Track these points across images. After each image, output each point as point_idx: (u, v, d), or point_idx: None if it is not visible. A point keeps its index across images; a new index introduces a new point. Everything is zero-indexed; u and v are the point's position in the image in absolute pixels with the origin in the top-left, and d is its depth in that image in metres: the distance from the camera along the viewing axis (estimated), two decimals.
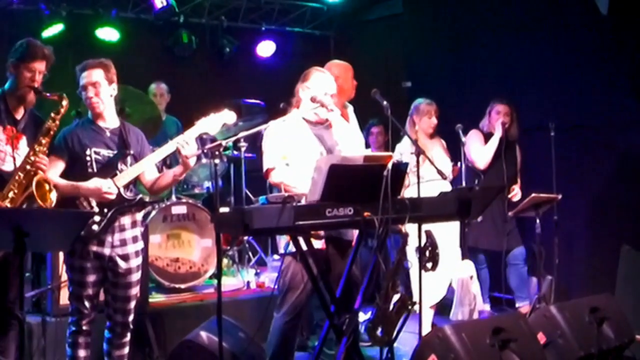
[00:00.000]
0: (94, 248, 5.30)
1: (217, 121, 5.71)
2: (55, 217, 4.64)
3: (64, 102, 5.24)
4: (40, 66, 5.28)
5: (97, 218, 5.24)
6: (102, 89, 5.38)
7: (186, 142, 5.42)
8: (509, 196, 7.98)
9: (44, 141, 5.17)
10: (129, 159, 5.48)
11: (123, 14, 10.05)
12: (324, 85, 5.84)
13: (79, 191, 5.24)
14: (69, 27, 9.42)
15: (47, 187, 5.11)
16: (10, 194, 5.07)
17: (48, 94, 5.26)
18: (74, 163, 5.35)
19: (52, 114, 5.22)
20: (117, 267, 5.39)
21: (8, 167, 5.22)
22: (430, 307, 7.35)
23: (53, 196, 5.09)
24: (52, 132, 5.22)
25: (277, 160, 5.69)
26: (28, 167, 5.10)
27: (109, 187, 5.25)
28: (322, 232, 5.36)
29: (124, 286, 5.45)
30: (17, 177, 5.09)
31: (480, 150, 8.00)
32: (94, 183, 5.25)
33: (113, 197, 5.28)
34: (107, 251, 5.34)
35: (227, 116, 5.77)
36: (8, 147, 5.25)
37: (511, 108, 8.10)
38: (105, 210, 5.29)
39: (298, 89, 5.92)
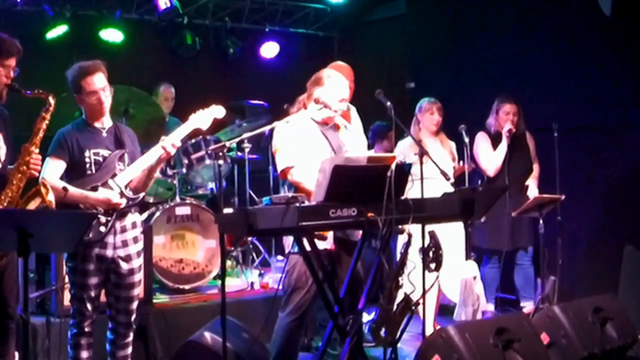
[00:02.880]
0: (96, 250, 5.31)
1: (208, 116, 5.75)
2: (59, 218, 4.64)
3: (52, 100, 5.18)
4: (14, 62, 5.17)
5: (103, 219, 5.27)
6: (109, 91, 5.43)
7: (172, 145, 5.45)
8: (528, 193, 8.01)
9: (36, 139, 5.13)
10: (126, 158, 5.51)
11: (127, 15, 10.06)
12: (340, 90, 5.86)
13: (87, 200, 5.26)
14: (73, 28, 9.43)
15: (43, 190, 5.09)
16: (8, 197, 5.05)
17: (28, 92, 5.15)
18: (73, 164, 5.36)
19: (43, 114, 5.17)
20: (120, 269, 5.41)
21: None
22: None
23: (50, 197, 5.08)
24: (42, 132, 5.17)
25: (295, 158, 5.69)
26: (23, 168, 5.08)
27: (118, 197, 5.29)
28: (326, 233, 5.37)
29: (126, 287, 5.48)
30: (14, 180, 5.06)
31: (489, 158, 8.01)
32: (103, 194, 5.27)
33: (122, 206, 5.30)
34: (109, 253, 5.36)
35: (217, 111, 5.81)
36: None
37: (518, 106, 8.10)
38: (110, 211, 5.31)
39: (312, 89, 5.89)
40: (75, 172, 5.34)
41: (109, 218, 5.30)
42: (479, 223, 7.69)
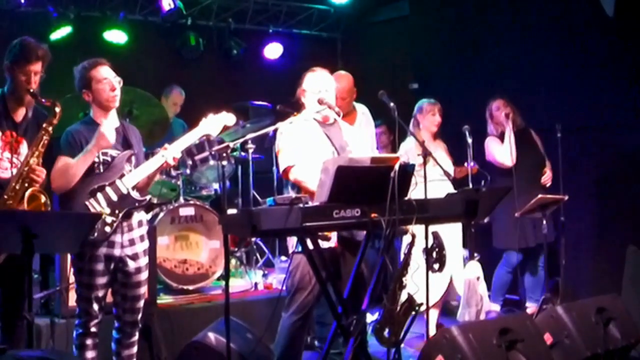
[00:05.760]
0: (104, 250, 5.31)
1: (217, 123, 5.74)
2: (63, 219, 4.67)
3: (57, 109, 5.19)
4: (35, 67, 5.21)
5: (108, 219, 5.27)
6: (118, 83, 5.43)
7: (173, 157, 5.45)
8: (542, 181, 8.06)
9: (37, 152, 5.14)
10: (133, 158, 5.51)
11: (131, 17, 10.06)
12: (317, 84, 5.90)
13: (90, 153, 5.24)
14: (77, 29, 9.43)
15: (42, 199, 5.09)
16: (7, 204, 5.05)
17: (43, 100, 5.19)
18: None
19: (45, 124, 5.17)
20: (127, 267, 5.42)
21: (7, 174, 5.20)
22: (431, 306, 7.38)
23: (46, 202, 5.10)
24: (45, 142, 5.17)
25: (296, 157, 5.71)
26: (23, 177, 5.08)
27: (107, 130, 5.24)
28: (330, 233, 5.38)
29: (133, 285, 5.49)
30: (12, 186, 5.07)
31: (502, 151, 8.02)
32: (96, 134, 5.24)
33: (110, 138, 5.25)
34: (117, 252, 5.36)
35: (227, 118, 5.80)
36: (7, 153, 5.23)
37: (506, 100, 8.17)
38: (117, 211, 5.31)
39: (299, 97, 5.98)
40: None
41: (114, 218, 5.30)
42: (499, 224, 7.75)
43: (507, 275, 8.29)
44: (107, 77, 5.38)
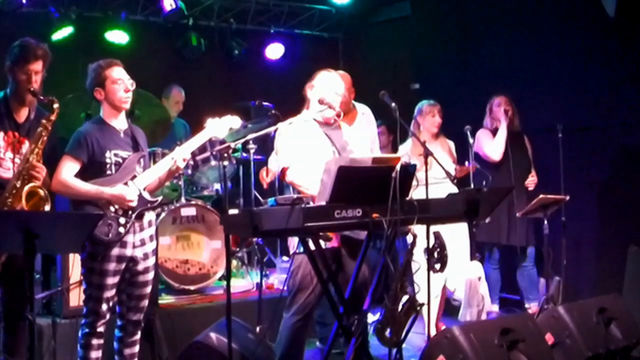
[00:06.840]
0: (117, 251, 5.32)
1: (223, 125, 5.77)
2: (64, 219, 4.66)
3: (55, 106, 5.17)
4: (35, 67, 5.22)
5: (122, 220, 5.29)
6: (131, 85, 5.46)
7: (182, 159, 5.50)
8: (525, 184, 8.11)
9: (36, 149, 5.14)
10: (141, 160, 5.53)
11: (132, 17, 10.07)
12: (329, 84, 5.88)
13: (102, 195, 5.25)
14: (78, 30, 9.43)
15: (41, 193, 5.10)
16: (8, 203, 5.06)
17: (42, 97, 5.20)
18: (92, 165, 5.34)
19: (44, 121, 5.17)
20: (137, 267, 5.45)
21: (9, 174, 5.21)
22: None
23: (47, 208, 5.10)
24: (44, 139, 5.16)
25: (292, 159, 5.72)
26: (23, 175, 5.09)
27: (132, 195, 5.29)
28: (332, 234, 5.38)
29: (140, 285, 5.52)
30: (12, 184, 5.08)
31: (491, 144, 8.06)
32: (119, 190, 5.27)
33: (134, 204, 5.31)
34: (129, 252, 5.38)
35: (232, 121, 5.82)
36: (9, 153, 5.24)
37: (509, 99, 8.19)
38: (129, 212, 5.33)
39: (306, 90, 5.96)
40: (94, 172, 5.32)
41: (128, 219, 5.32)
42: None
43: (495, 272, 8.35)
44: (121, 78, 5.40)
